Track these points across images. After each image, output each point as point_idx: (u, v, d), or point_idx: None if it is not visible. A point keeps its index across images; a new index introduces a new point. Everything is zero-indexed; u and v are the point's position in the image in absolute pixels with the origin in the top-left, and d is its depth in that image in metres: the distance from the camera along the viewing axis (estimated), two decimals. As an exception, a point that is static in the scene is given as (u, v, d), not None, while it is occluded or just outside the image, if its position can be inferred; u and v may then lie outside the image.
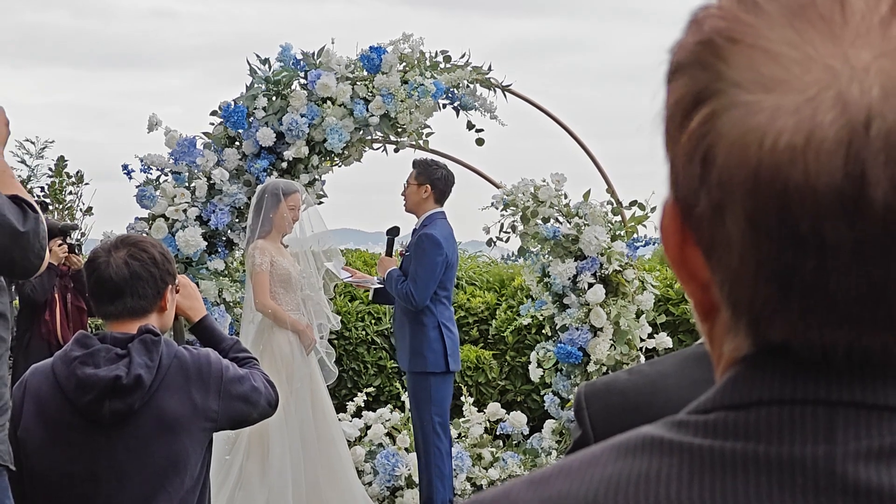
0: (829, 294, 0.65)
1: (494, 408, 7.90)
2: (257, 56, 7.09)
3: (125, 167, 6.96)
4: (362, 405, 7.90)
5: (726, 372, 0.71)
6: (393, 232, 6.95)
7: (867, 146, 0.62)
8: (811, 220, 0.63)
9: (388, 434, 7.58)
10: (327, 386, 6.67)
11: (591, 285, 6.83)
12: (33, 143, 12.76)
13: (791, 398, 0.67)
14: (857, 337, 0.66)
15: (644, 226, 7.07)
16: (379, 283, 6.87)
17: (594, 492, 0.68)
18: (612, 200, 7.12)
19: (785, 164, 0.63)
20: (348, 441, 7.24)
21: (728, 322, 0.71)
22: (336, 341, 8.82)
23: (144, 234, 6.48)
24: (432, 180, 6.68)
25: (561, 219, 6.92)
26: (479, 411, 7.92)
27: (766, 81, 0.64)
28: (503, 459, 7.36)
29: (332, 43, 7.06)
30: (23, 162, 12.58)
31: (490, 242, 7.18)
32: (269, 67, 7.02)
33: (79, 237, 10.75)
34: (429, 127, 7.26)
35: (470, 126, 7.22)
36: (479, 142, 7.26)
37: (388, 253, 6.92)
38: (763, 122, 0.64)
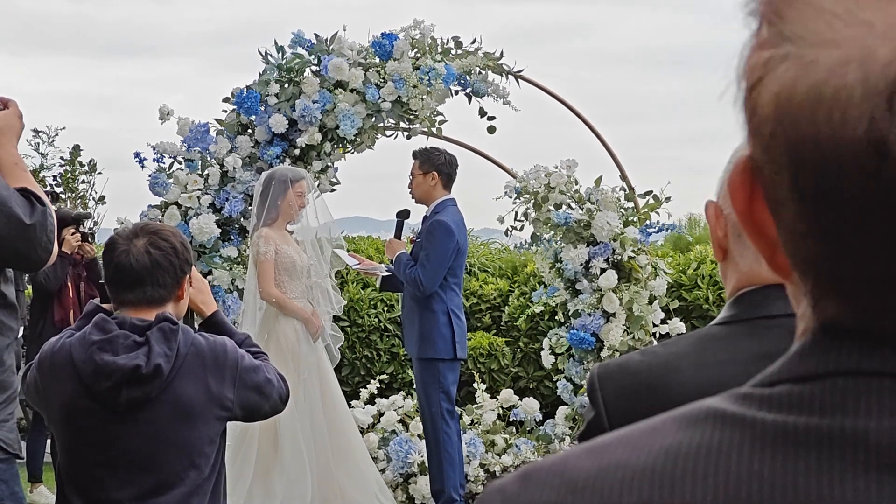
0: (866, 258, 0.64)
1: (507, 394, 7.90)
2: (275, 43, 7.07)
3: (137, 155, 6.96)
4: (375, 392, 7.91)
5: (797, 341, 0.70)
6: (403, 215, 6.93)
7: (889, 107, 0.61)
8: (831, 177, 0.63)
9: (401, 421, 7.58)
10: (335, 371, 6.67)
11: (603, 271, 6.82)
12: (45, 132, 12.80)
13: (857, 370, 0.65)
14: None
15: (657, 212, 7.05)
16: (387, 270, 6.86)
17: (653, 461, 0.68)
18: (625, 186, 7.11)
19: (809, 119, 0.63)
20: (361, 428, 7.25)
21: (800, 285, 0.70)
22: (349, 329, 8.84)
23: (158, 222, 6.49)
24: (436, 166, 6.67)
25: (573, 205, 6.91)
26: (491, 398, 7.92)
27: (810, 36, 0.64)
28: (516, 446, 7.36)
29: (344, 29, 7.05)
30: (36, 150, 12.62)
31: (507, 232, 7.16)
32: (283, 55, 7.00)
33: (92, 226, 10.78)
34: (441, 115, 7.25)
35: (482, 113, 7.20)
36: (491, 130, 7.23)
37: (398, 236, 6.91)
38: (799, 75, 0.64)
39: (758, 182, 0.69)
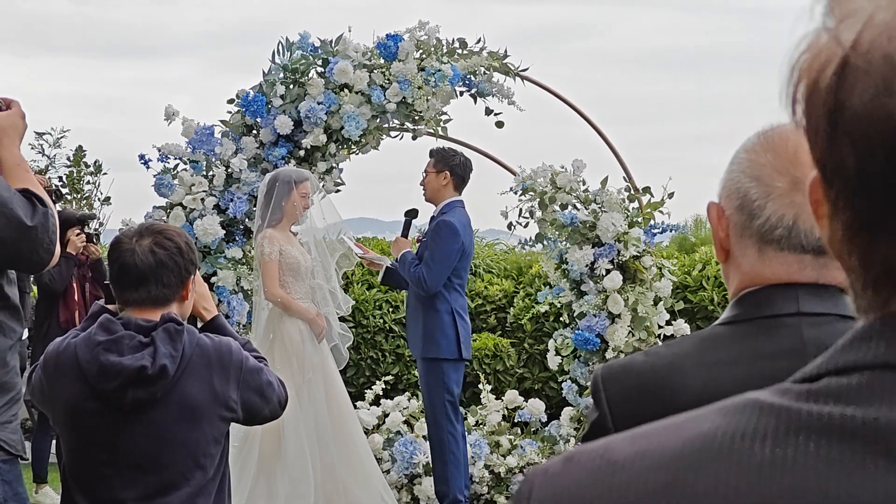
0: None
1: (512, 395, 7.90)
2: (286, 39, 7.06)
3: (142, 157, 6.95)
4: (380, 393, 7.91)
5: (849, 332, 0.71)
6: (411, 214, 6.95)
7: None
8: None
9: (406, 422, 7.58)
10: (340, 371, 6.67)
11: (608, 272, 6.82)
12: (51, 133, 12.79)
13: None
14: None
15: (661, 212, 7.04)
16: (391, 264, 6.86)
17: (686, 445, 0.70)
18: (630, 187, 7.10)
19: None
20: (366, 429, 7.25)
21: (862, 278, 0.71)
22: (354, 329, 8.84)
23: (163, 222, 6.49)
24: (451, 167, 6.69)
25: (579, 205, 6.90)
26: (496, 399, 7.92)
27: None
28: (521, 447, 7.36)
29: (349, 31, 7.06)
30: (42, 153, 12.61)
31: (510, 226, 7.15)
32: (290, 54, 6.99)
33: (97, 227, 10.78)
34: (446, 114, 7.24)
35: (488, 112, 7.20)
36: (499, 124, 7.22)
37: (405, 234, 6.92)
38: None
39: (826, 184, 0.70)
